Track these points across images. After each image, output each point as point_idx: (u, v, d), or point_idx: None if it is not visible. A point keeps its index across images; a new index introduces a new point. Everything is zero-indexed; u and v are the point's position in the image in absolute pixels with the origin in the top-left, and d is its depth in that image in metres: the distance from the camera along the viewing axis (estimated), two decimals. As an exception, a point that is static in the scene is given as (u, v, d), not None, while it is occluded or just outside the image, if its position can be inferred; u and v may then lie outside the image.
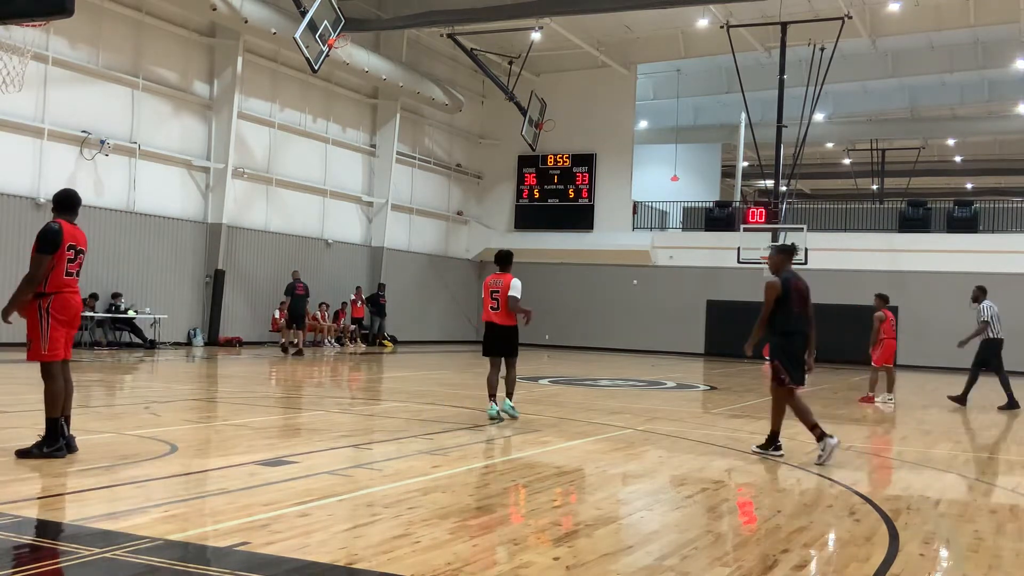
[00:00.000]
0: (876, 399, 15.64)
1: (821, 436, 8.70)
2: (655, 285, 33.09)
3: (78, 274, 7.43)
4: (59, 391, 7.22)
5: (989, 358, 15.58)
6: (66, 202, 7.45)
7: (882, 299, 15.84)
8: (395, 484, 6.79)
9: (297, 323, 23.10)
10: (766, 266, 27.90)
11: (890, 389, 15.86)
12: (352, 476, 7.14)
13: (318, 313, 26.92)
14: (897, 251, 30.24)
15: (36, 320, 7.16)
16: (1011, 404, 15.29)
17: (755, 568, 4.94)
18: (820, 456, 8.60)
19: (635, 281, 33.39)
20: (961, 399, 15.62)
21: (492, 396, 10.92)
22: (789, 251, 9.30)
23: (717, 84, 36.87)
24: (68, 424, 7.30)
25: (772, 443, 9.05)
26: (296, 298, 23.07)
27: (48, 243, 7.13)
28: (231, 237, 25.10)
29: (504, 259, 11.20)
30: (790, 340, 8.87)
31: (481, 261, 35.50)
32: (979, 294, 15.92)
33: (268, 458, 7.57)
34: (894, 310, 16.14)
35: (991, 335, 15.45)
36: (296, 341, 23.01)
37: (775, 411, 9.08)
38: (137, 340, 22.22)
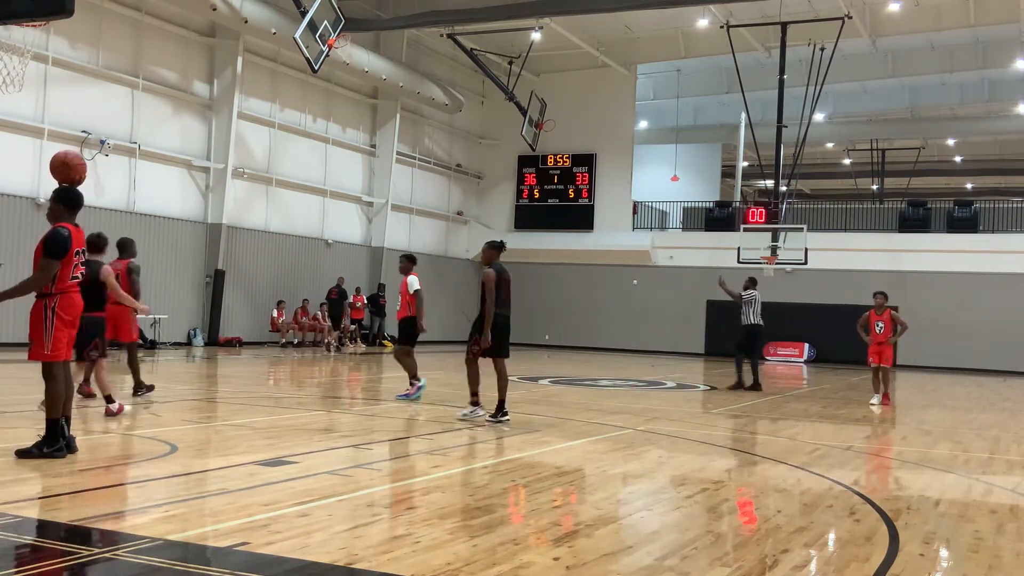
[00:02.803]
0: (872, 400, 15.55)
1: (477, 403, 10.68)
2: (655, 285, 33.10)
3: (82, 276, 7.44)
4: (60, 392, 7.22)
5: (750, 341, 16.94)
6: (74, 202, 7.33)
7: (884, 296, 15.66)
8: (395, 484, 6.79)
9: (333, 324, 26.48)
10: (766, 266, 28.20)
11: (877, 390, 15.67)
12: (352, 476, 7.14)
13: (319, 313, 26.99)
14: (897, 251, 30.24)
15: (40, 319, 7.13)
16: (756, 386, 16.69)
17: (755, 568, 4.94)
18: (465, 414, 10.62)
19: (635, 281, 33.39)
20: (740, 385, 16.77)
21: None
22: (499, 246, 10.97)
23: (717, 84, 36.87)
24: (68, 424, 7.30)
25: (500, 410, 10.55)
26: (330, 302, 26.70)
27: (59, 248, 7.06)
28: (231, 237, 25.10)
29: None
30: (493, 320, 10.56)
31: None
32: (750, 284, 17.07)
33: (268, 458, 7.57)
34: (894, 309, 16.03)
35: (754, 321, 16.74)
36: (329, 340, 26.12)
37: (500, 380, 10.71)
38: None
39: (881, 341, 15.20)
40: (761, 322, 16.93)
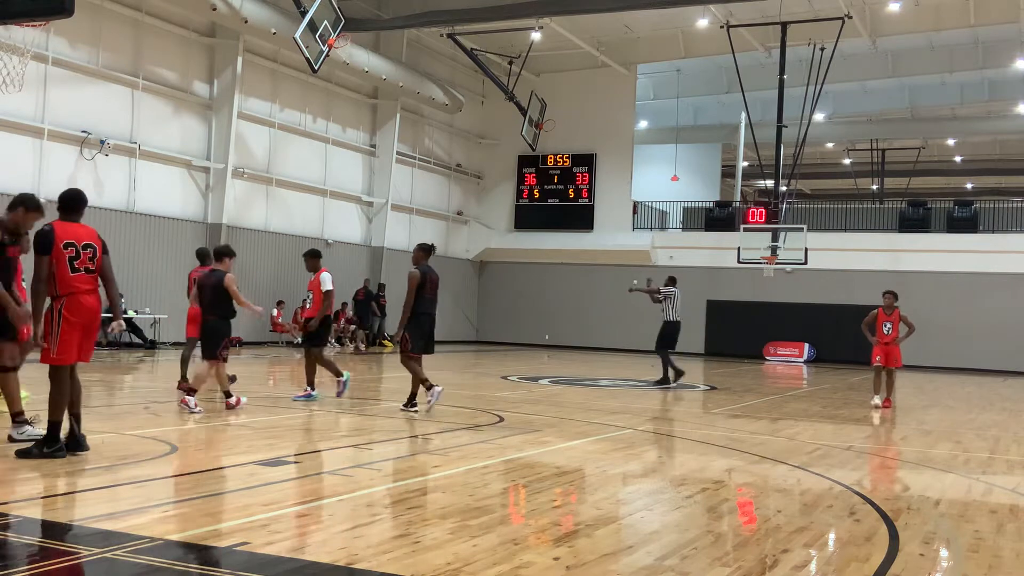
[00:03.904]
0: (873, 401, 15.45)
1: (430, 386, 11.25)
2: (655, 285, 33.01)
3: (90, 272, 7.27)
4: (63, 395, 7.20)
5: (670, 336, 17.57)
6: (67, 203, 7.41)
7: (894, 296, 15.44)
8: (395, 484, 6.80)
9: (359, 325, 27.31)
10: (766, 266, 28.20)
11: (878, 390, 15.53)
12: (352, 476, 7.14)
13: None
14: (897, 251, 30.23)
15: (47, 321, 7.14)
16: (672, 379, 17.20)
17: (755, 568, 4.94)
18: (430, 402, 11.22)
19: (635, 281, 33.35)
20: (665, 381, 17.25)
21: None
22: (428, 249, 11.69)
23: (717, 84, 36.85)
24: (79, 423, 7.31)
25: (411, 401, 11.35)
26: (356, 303, 27.51)
27: (40, 244, 7.11)
28: (231, 237, 25.06)
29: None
30: (419, 319, 11.32)
31: (482, 261, 35.52)
32: (670, 282, 18.07)
33: (268, 458, 7.57)
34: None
35: (672, 317, 17.49)
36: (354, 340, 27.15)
37: (413, 375, 11.33)
38: (137, 340, 22.23)
39: (888, 341, 14.92)
40: (679, 319, 17.56)
